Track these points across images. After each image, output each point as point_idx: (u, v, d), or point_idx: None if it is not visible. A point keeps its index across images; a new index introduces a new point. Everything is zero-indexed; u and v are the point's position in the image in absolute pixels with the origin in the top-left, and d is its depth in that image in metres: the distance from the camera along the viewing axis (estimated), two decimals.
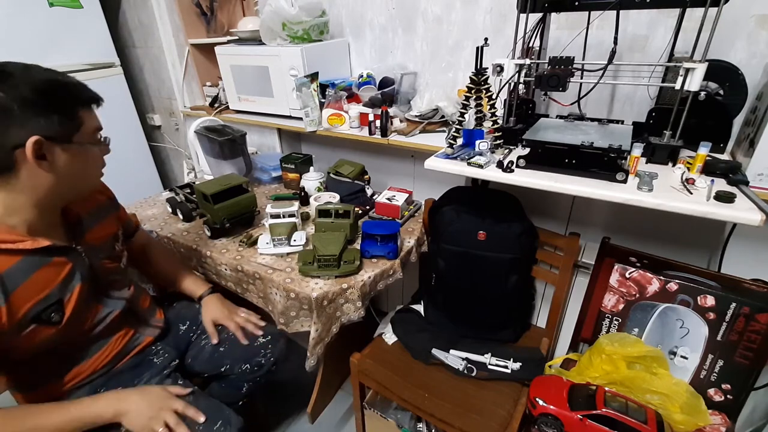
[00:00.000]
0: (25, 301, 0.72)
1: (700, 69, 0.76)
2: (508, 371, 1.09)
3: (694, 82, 0.77)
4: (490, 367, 1.11)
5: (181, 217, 1.40)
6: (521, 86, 1.00)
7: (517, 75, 0.95)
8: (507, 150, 1.00)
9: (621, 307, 1.09)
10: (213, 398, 0.95)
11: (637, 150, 0.83)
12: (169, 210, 1.46)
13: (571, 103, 1.04)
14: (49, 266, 0.76)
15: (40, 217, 0.75)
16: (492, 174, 0.90)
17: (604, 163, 0.82)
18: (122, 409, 0.80)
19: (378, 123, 1.34)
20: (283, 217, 1.21)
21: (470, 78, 0.94)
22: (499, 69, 0.95)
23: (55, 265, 0.77)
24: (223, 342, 1.08)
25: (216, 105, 1.91)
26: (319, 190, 1.45)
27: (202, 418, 0.85)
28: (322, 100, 1.45)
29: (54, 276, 0.77)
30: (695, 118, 0.86)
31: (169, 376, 0.98)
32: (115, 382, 0.92)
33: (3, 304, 0.69)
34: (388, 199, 1.33)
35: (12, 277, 0.70)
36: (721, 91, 0.92)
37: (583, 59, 0.98)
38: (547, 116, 1.12)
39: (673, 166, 0.89)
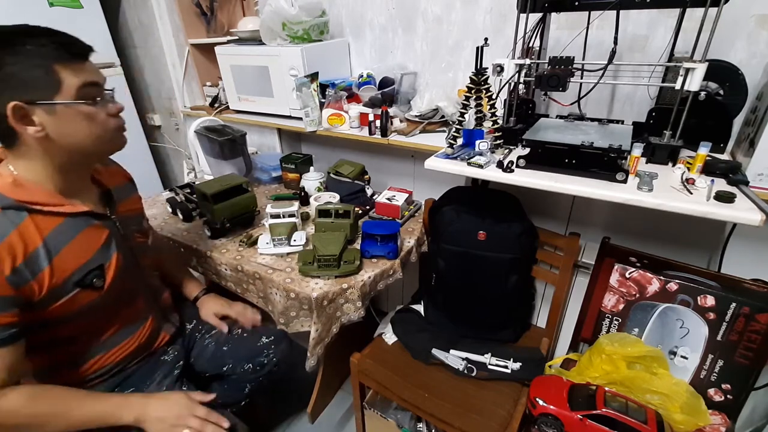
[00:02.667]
0: (69, 264, 0.74)
1: (700, 69, 0.76)
2: (508, 371, 1.09)
3: (694, 82, 0.77)
4: (490, 367, 1.11)
5: (181, 217, 1.40)
6: (521, 86, 1.00)
7: (517, 75, 0.95)
8: (507, 150, 0.99)
9: (621, 307, 1.09)
10: (217, 406, 0.94)
11: (637, 150, 0.83)
12: (169, 210, 1.46)
13: (571, 103, 1.04)
14: (89, 230, 0.78)
15: (69, 183, 0.77)
16: (492, 174, 0.90)
17: (604, 163, 0.82)
18: (144, 416, 0.79)
19: (378, 123, 1.34)
20: (283, 217, 1.21)
21: (470, 78, 0.94)
22: (499, 69, 0.95)
23: (95, 229, 0.79)
24: (225, 342, 1.09)
25: (216, 105, 1.91)
26: (319, 190, 1.45)
27: (225, 424, 0.83)
28: (322, 100, 1.45)
29: (95, 241, 0.79)
30: (695, 118, 0.86)
31: (180, 379, 0.98)
32: (130, 383, 0.92)
33: (46, 266, 0.70)
34: (388, 199, 1.33)
35: (55, 240, 0.72)
36: (721, 91, 0.92)
37: (583, 59, 0.98)
38: (547, 116, 1.12)
39: (673, 166, 0.88)
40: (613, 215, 1.21)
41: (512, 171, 0.89)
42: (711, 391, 1.00)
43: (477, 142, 0.99)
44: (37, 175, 0.73)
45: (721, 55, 0.93)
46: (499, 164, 0.91)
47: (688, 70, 0.78)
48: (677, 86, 0.79)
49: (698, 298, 0.98)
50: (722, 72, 0.90)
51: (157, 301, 1.01)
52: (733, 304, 0.94)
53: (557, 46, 1.09)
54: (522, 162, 0.90)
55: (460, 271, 1.16)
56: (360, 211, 1.33)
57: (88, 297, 0.78)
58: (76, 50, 0.70)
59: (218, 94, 1.90)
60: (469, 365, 1.11)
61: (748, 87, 0.90)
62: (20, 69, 0.65)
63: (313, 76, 1.40)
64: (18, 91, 0.65)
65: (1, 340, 0.67)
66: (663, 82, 0.94)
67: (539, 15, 0.98)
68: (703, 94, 0.85)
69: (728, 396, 0.98)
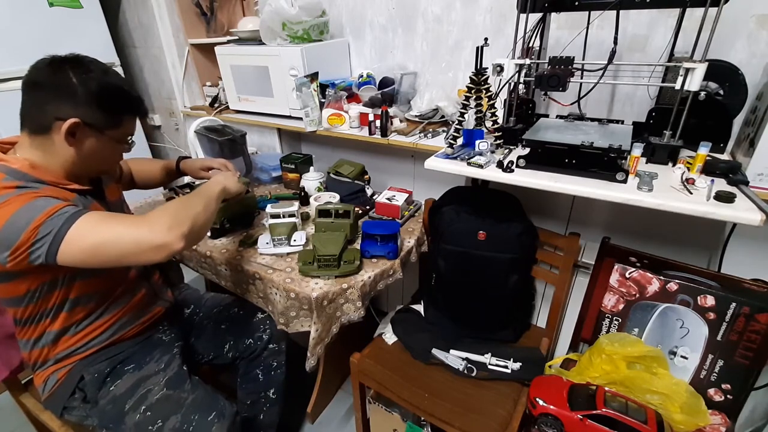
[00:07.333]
0: None
1: (700, 69, 0.76)
2: (508, 371, 1.09)
3: (694, 82, 0.77)
4: (490, 367, 1.11)
5: None
6: (521, 86, 1.00)
7: (517, 75, 0.95)
8: (507, 150, 0.99)
9: (621, 307, 1.09)
10: (208, 387, 1.00)
11: (637, 150, 0.83)
12: None
13: (571, 103, 1.04)
14: (94, 206, 0.89)
15: (74, 172, 0.87)
16: (492, 174, 0.90)
17: (604, 163, 0.82)
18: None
19: (378, 123, 1.34)
20: (283, 217, 1.21)
21: (470, 78, 0.94)
22: (499, 69, 0.94)
23: (96, 207, 0.90)
24: (224, 320, 1.16)
25: (216, 105, 1.91)
26: (319, 190, 1.45)
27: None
28: (322, 100, 1.45)
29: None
30: (695, 118, 0.86)
31: (179, 356, 1.03)
32: (131, 360, 0.98)
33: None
34: (388, 199, 1.33)
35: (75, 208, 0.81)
36: (721, 91, 0.92)
37: (583, 59, 0.98)
38: (547, 116, 1.12)
39: (673, 166, 0.89)
40: (613, 215, 1.21)
41: (512, 171, 0.89)
42: (711, 391, 1.00)
43: (477, 142, 0.99)
44: (50, 163, 0.83)
45: (721, 55, 0.93)
46: (499, 164, 0.91)
47: (688, 70, 0.78)
48: (677, 86, 0.79)
49: (698, 298, 0.98)
50: (722, 72, 0.90)
51: (149, 278, 1.07)
52: (733, 304, 0.94)
53: (557, 46, 1.09)
54: (522, 162, 0.90)
55: (460, 271, 1.16)
56: (360, 211, 1.33)
57: None
58: (142, 112, 0.92)
59: (218, 94, 1.90)
60: (469, 365, 1.11)
61: (748, 87, 0.90)
62: (101, 104, 0.81)
63: (313, 76, 1.40)
64: (86, 114, 0.80)
65: (76, 212, 0.76)
66: (663, 82, 0.94)
67: (539, 15, 0.98)
68: (703, 94, 0.85)
69: (728, 396, 0.98)
